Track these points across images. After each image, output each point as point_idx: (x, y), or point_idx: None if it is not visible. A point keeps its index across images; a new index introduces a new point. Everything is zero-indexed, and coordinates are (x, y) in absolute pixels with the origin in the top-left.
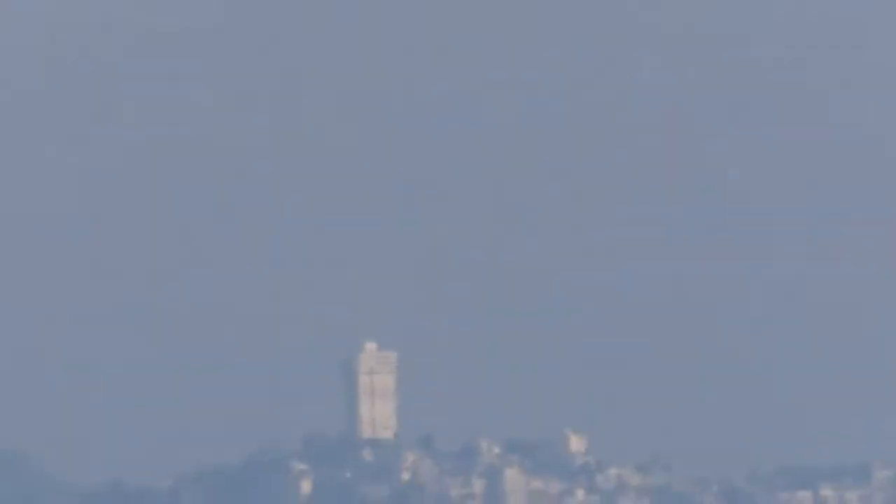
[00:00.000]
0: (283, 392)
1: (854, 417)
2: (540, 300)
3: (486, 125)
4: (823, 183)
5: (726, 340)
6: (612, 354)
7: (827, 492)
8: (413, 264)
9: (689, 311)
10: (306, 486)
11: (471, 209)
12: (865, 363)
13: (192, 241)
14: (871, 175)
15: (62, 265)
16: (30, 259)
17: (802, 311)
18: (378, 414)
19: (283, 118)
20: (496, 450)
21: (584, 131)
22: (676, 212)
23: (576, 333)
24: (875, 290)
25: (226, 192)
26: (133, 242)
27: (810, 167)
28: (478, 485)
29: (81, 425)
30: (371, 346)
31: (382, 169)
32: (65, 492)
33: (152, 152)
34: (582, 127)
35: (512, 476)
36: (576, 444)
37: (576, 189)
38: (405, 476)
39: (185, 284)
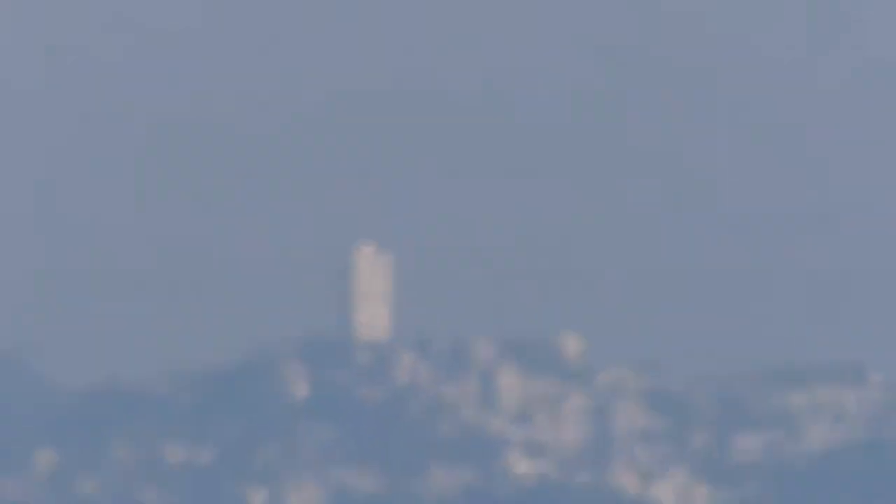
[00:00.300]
0: (277, 294)
1: (848, 320)
2: (537, 201)
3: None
4: None
5: (723, 242)
6: (610, 255)
7: (823, 392)
8: (410, 166)
9: (687, 211)
10: (301, 390)
11: (468, 110)
12: (859, 265)
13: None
14: None
15: (61, 166)
16: (28, 164)
17: (798, 213)
18: (374, 316)
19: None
20: (491, 352)
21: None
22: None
23: (574, 233)
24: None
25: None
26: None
27: None
28: (472, 386)
29: (77, 326)
30: (368, 247)
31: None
32: (60, 393)
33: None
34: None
35: (506, 377)
36: (572, 345)
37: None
38: (400, 378)
39: (181, 188)
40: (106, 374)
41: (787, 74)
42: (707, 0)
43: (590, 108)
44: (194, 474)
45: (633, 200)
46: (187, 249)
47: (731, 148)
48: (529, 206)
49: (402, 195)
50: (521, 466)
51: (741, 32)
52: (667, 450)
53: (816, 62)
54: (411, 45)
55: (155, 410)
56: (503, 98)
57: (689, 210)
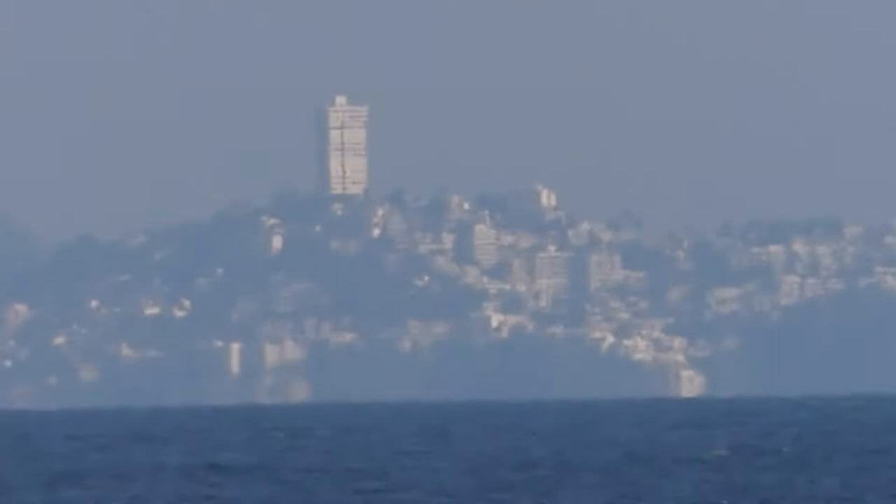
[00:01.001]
0: (253, 147)
1: (823, 171)
2: (511, 52)
3: None
4: None
5: (698, 92)
6: (584, 106)
7: (798, 246)
8: (387, 18)
9: (663, 60)
10: (277, 242)
11: None
12: (836, 116)
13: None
14: None
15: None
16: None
17: (768, 63)
18: (348, 169)
19: None
20: (466, 205)
21: None
22: None
23: (548, 85)
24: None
25: None
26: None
27: None
28: (448, 240)
29: (57, 183)
30: (341, 99)
31: None
32: (40, 246)
33: None
34: None
35: (482, 231)
36: (546, 198)
37: None
38: (375, 231)
39: (170, 38)
40: (86, 229)
41: None
42: None
43: None
44: (170, 329)
45: (609, 55)
46: (163, 104)
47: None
48: (508, 57)
49: (377, 44)
50: (496, 320)
51: None
52: (642, 304)
53: None
54: None
55: (131, 264)
56: None
57: (669, 64)
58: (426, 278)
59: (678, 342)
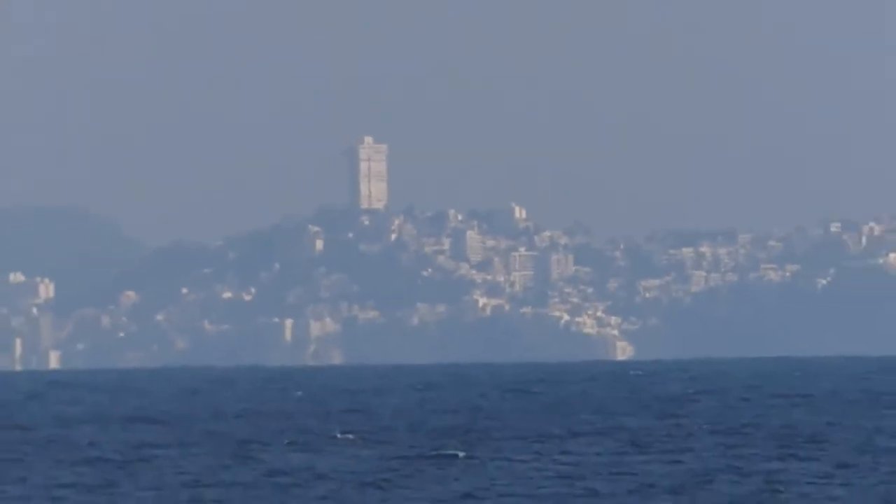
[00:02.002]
0: (302, 174)
1: (723, 189)
2: (501, 99)
3: None
4: None
5: (644, 110)
6: (547, 143)
7: (704, 248)
8: (404, 71)
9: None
10: (319, 245)
11: (453, 18)
12: (739, 144)
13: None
14: None
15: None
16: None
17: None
18: (373, 191)
19: None
20: (460, 217)
21: None
22: None
23: (522, 126)
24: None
25: None
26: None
27: None
28: (446, 243)
29: (152, 193)
30: (369, 139)
31: None
32: (142, 248)
33: None
34: None
35: (472, 236)
36: (518, 213)
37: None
38: (392, 237)
39: (227, 82)
40: (175, 236)
41: None
42: None
43: None
44: (240, 309)
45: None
46: (236, 142)
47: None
48: (492, 109)
49: (398, 96)
50: (480, 303)
51: None
52: (589, 291)
53: None
54: None
55: (212, 260)
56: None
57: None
58: (430, 271)
59: (614, 320)
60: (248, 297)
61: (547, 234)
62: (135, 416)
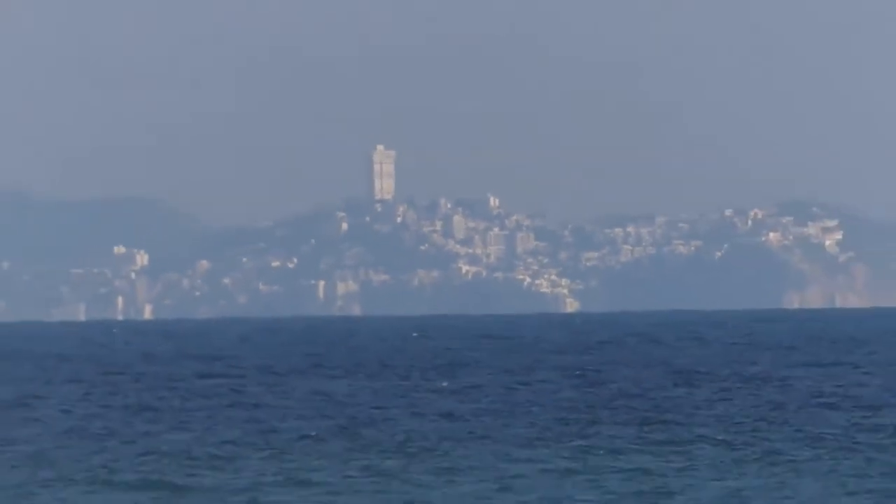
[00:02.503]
0: (332, 172)
1: (644, 183)
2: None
3: None
4: None
5: (581, 126)
6: (514, 144)
7: (630, 229)
8: (410, 87)
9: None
10: (344, 226)
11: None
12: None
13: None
14: None
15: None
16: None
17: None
18: (384, 186)
19: None
20: (449, 205)
21: None
22: None
23: (496, 134)
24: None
25: None
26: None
27: None
28: (438, 224)
29: (219, 187)
30: (381, 146)
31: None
32: (207, 228)
33: None
34: None
35: (457, 220)
36: (493, 201)
37: None
38: (398, 220)
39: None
40: (233, 218)
41: None
42: None
43: None
44: (285, 274)
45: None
46: (282, 144)
47: None
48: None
49: (403, 112)
50: (464, 270)
51: None
52: (545, 260)
53: None
54: None
55: (265, 238)
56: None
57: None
58: (426, 246)
59: (564, 282)
60: (291, 265)
61: (514, 217)
62: (203, 355)
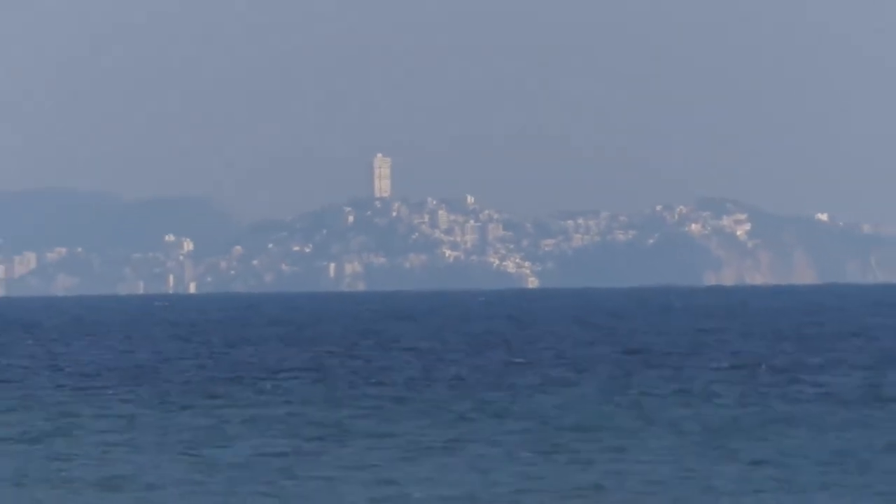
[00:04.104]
0: (341, 176)
1: (592, 184)
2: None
3: None
4: None
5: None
6: (489, 152)
7: (580, 221)
8: (404, 100)
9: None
10: (350, 219)
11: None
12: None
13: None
14: None
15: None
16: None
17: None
18: (382, 187)
19: None
20: (434, 202)
21: None
22: None
23: (473, 144)
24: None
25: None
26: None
27: None
28: (426, 218)
29: (250, 187)
30: (380, 154)
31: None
32: (238, 220)
33: None
34: None
35: (442, 214)
36: (470, 200)
37: None
38: (394, 214)
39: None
40: (262, 213)
41: None
42: None
43: None
44: (304, 258)
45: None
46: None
47: None
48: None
49: (400, 123)
50: (447, 254)
51: None
52: (511, 246)
53: None
54: None
55: (287, 228)
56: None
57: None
58: (416, 235)
59: (527, 264)
60: (307, 250)
61: (486, 212)
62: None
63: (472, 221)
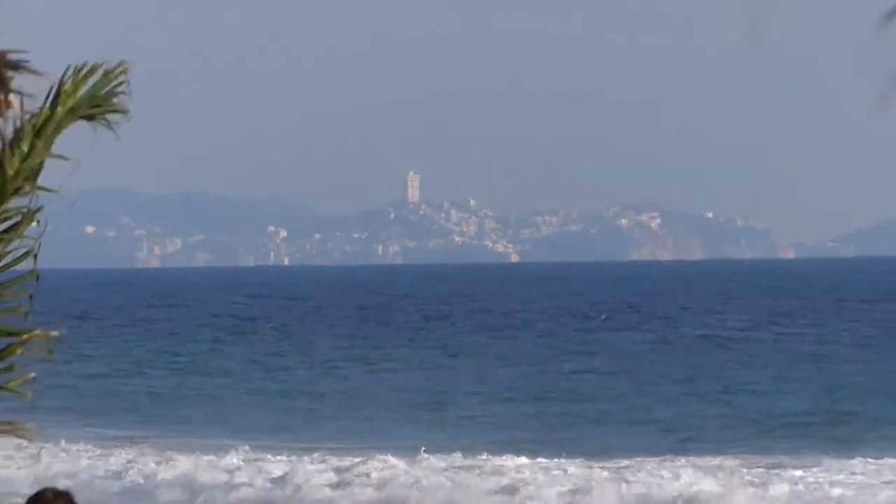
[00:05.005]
0: (384, 185)
1: (553, 188)
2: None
3: None
4: None
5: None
6: (483, 169)
7: (546, 217)
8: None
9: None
10: (392, 215)
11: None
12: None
13: None
14: None
15: None
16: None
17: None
18: (413, 194)
19: None
20: (447, 205)
21: None
22: None
23: (476, 160)
24: None
25: None
26: None
27: None
28: (443, 215)
29: (321, 190)
30: (413, 172)
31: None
32: (316, 214)
33: None
34: None
35: (453, 213)
36: (472, 203)
37: None
38: (421, 213)
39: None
40: (333, 207)
41: None
42: None
43: None
44: (360, 241)
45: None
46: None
47: None
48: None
49: (429, 147)
50: (456, 240)
51: None
52: (500, 234)
53: None
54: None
55: (349, 221)
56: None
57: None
58: (437, 227)
59: (512, 247)
60: (363, 237)
61: (483, 210)
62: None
63: (473, 217)
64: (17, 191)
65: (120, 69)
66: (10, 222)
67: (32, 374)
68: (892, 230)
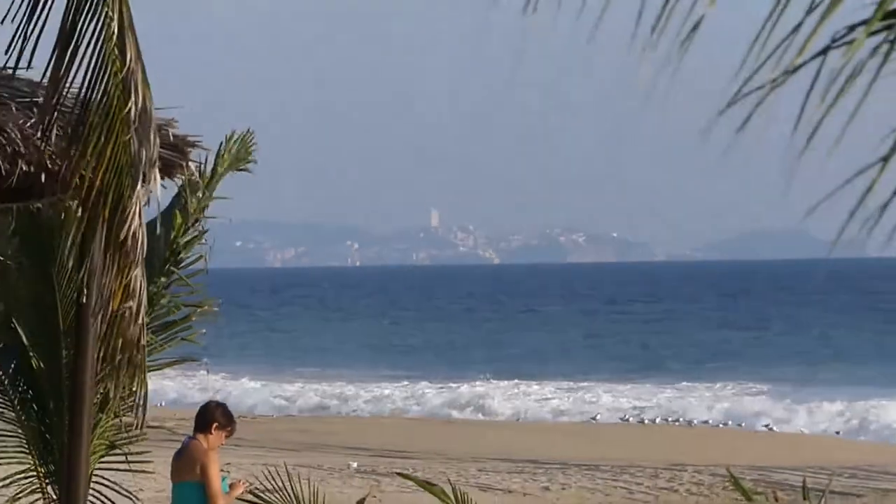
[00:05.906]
0: (416, 216)
1: (519, 214)
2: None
3: None
4: None
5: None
6: (484, 195)
7: (515, 236)
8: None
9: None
10: (421, 235)
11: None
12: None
13: None
14: None
15: None
16: None
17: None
18: (434, 222)
19: None
20: (454, 228)
21: None
22: None
23: (479, 190)
24: None
25: None
26: None
27: None
28: (452, 236)
29: (376, 214)
30: (434, 209)
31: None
32: (370, 235)
33: None
34: None
35: (460, 235)
36: (472, 226)
37: None
38: (439, 233)
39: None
40: (386, 230)
41: None
42: None
43: None
44: (401, 251)
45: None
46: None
47: None
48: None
49: (444, 190)
50: (460, 250)
51: None
52: (487, 246)
53: None
54: None
55: (394, 238)
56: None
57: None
58: (452, 241)
59: (494, 254)
60: (404, 247)
61: (477, 231)
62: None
63: (471, 235)
64: (195, 222)
65: (250, 135)
66: (191, 235)
67: (203, 331)
68: (746, 240)
